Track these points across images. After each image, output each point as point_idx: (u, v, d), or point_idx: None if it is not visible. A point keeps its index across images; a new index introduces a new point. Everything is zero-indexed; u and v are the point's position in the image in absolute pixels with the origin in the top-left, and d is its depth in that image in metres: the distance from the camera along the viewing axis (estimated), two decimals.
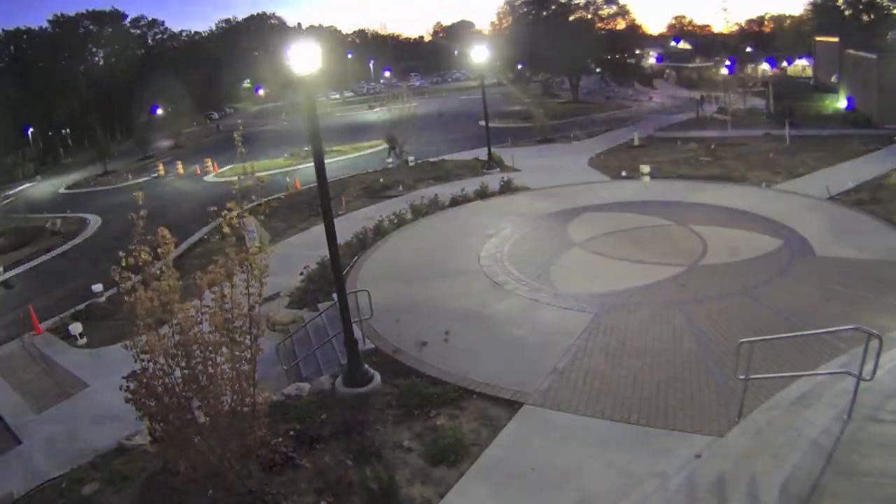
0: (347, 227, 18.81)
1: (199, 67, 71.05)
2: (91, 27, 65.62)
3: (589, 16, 64.80)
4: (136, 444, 9.90)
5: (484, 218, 20.64)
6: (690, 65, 78.76)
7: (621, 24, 65.49)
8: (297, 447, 8.77)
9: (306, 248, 18.79)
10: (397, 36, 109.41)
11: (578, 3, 64.90)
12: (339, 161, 38.33)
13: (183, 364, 7.18)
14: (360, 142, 45.10)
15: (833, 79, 47.28)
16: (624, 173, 25.54)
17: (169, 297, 7.11)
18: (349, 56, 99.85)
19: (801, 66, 67.57)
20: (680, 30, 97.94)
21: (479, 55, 31.74)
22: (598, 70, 70.47)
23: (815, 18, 62.55)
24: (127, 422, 9.04)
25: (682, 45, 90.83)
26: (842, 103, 40.92)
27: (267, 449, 8.39)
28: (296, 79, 9.81)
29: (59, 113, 64.57)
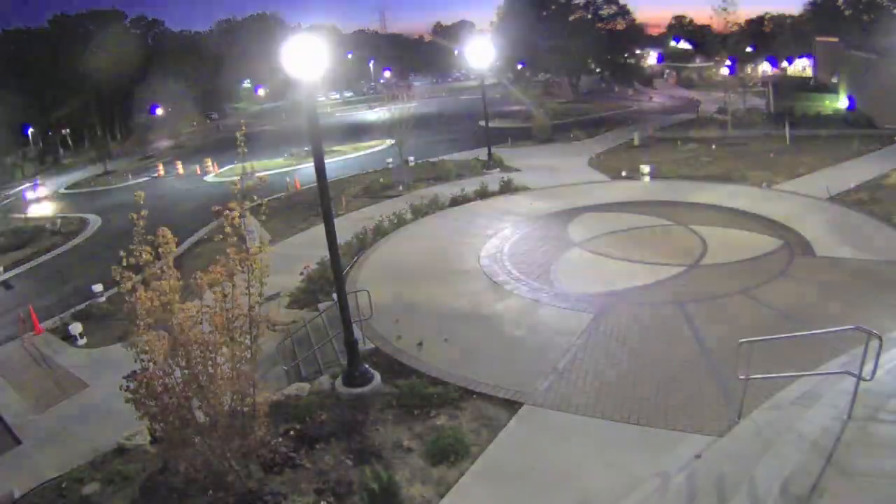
0: (347, 227, 18.82)
1: (199, 67, 71.01)
2: (91, 27, 65.67)
3: (589, 16, 64.78)
4: (136, 444, 9.90)
5: (484, 218, 20.65)
6: (690, 65, 78.79)
7: (621, 25, 65.45)
8: (297, 447, 8.77)
9: (306, 248, 18.79)
10: (397, 35, 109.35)
11: (578, 3, 64.91)
12: (339, 161, 38.31)
13: (183, 364, 7.18)
14: (360, 142, 45.10)
15: (833, 79, 47.29)
16: (624, 173, 25.53)
17: (169, 297, 7.11)
18: (349, 56, 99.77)
19: (801, 65, 67.62)
20: (680, 29, 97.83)
21: (479, 55, 31.71)
22: (597, 70, 70.48)
23: (815, 19, 62.54)
24: (127, 422, 9.03)
25: (682, 44, 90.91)
26: (842, 103, 40.92)
27: (267, 449, 8.40)
28: (295, 79, 9.81)
29: (59, 113, 64.53)
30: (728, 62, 35.13)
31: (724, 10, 30.35)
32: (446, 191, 23.97)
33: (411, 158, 31.99)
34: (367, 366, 10.93)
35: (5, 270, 23.88)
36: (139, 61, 61.86)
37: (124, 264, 7.06)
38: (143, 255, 7.16)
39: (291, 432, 9.22)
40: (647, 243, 16.76)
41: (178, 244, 7.80)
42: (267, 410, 8.08)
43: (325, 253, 11.39)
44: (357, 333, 11.20)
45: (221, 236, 7.58)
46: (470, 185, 24.08)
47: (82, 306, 17.64)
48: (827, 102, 43.24)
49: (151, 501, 8.27)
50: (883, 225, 16.58)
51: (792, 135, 30.28)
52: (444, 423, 9.26)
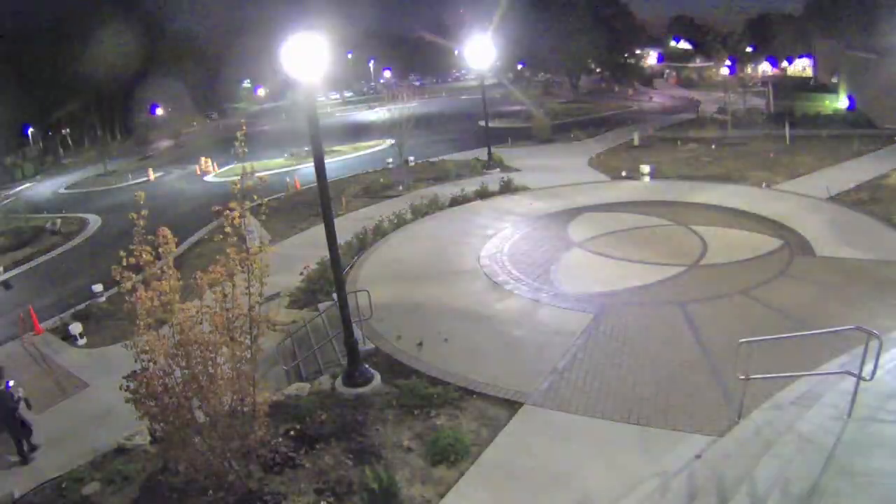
0: (347, 227, 18.81)
1: (199, 67, 71.05)
2: (91, 27, 65.66)
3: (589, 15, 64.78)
4: (136, 444, 9.90)
5: (484, 218, 20.65)
6: (690, 65, 78.77)
7: (621, 24, 65.48)
8: (297, 447, 8.77)
9: (306, 248, 18.79)
10: (397, 35, 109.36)
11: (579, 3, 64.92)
12: (339, 161, 38.31)
13: (183, 364, 7.18)
14: (360, 142, 45.10)
15: (833, 79, 47.29)
16: (624, 173, 25.53)
17: (169, 297, 7.12)
18: (349, 56, 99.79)
19: (801, 65, 67.60)
20: (680, 29, 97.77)
21: (479, 55, 31.70)
22: (597, 70, 70.50)
23: (815, 20, 62.52)
24: (127, 422, 9.03)
25: (682, 44, 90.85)
26: (842, 103, 40.91)
27: (267, 449, 8.40)
28: (295, 79, 9.81)
29: (59, 113, 64.55)
30: (728, 62, 35.12)
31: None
32: (446, 191, 23.97)
33: (411, 158, 32.00)
34: (367, 366, 10.93)
35: (5, 270, 23.88)
36: (139, 61, 61.81)
37: (124, 264, 7.07)
38: (144, 255, 7.17)
39: (291, 432, 9.22)
40: (648, 243, 16.75)
41: (178, 244, 7.80)
42: (267, 410, 8.08)
43: (325, 253, 11.39)
44: (357, 333, 11.20)
45: (221, 236, 7.58)
46: (470, 185, 24.08)
47: (82, 306, 17.64)
48: (827, 102, 43.24)
49: (151, 501, 8.27)
50: (883, 225, 16.58)
51: (792, 135, 30.28)
52: (444, 423, 9.26)
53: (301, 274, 16.43)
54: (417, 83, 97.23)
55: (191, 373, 7.22)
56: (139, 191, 7.98)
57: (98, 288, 17.80)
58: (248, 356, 7.68)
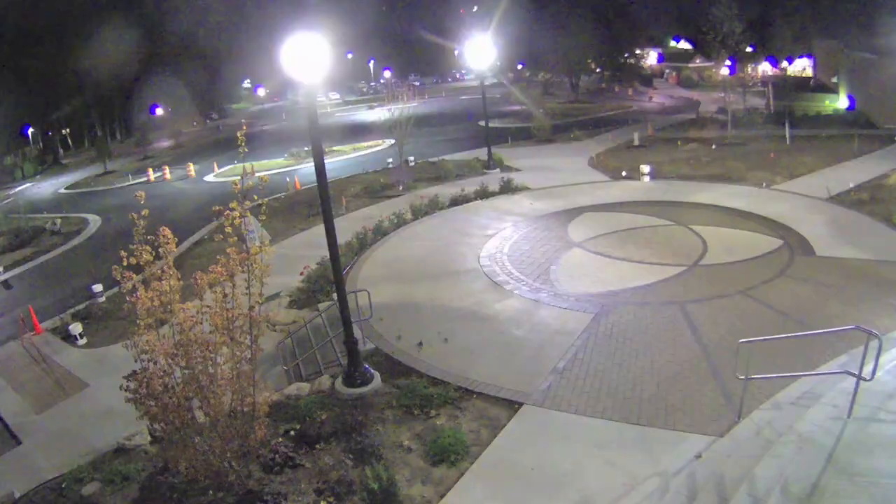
0: (347, 227, 18.80)
1: (199, 67, 71.01)
2: (91, 27, 65.62)
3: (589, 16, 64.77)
4: (136, 444, 9.90)
5: (484, 218, 20.65)
6: (690, 65, 78.72)
7: (621, 24, 65.44)
8: (297, 447, 8.78)
9: (306, 248, 18.79)
10: (397, 35, 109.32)
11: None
12: (339, 161, 38.32)
13: (183, 364, 7.19)
14: (360, 142, 45.12)
15: (833, 79, 47.29)
16: (624, 173, 25.53)
17: (169, 297, 7.12)
18: (349, 56, 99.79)
19: (801, 65, 67.54)
20: (680, 29, 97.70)
21: (479, 55, 31.69)
22: (597, 70, 70.46)
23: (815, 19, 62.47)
24: (127, 422, 9.03)
25: (683, 44, 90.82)
26: (842, 103, 40.92)
27: (267, 449, 8.40)
28: (296, 79, 9.82)
29: (59, 113, 64.54)
30: (728, 62, 35.07)
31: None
32: (446, 191, 23.96)
33: (411, 158, 31.99)
34: (367, 366, 10.93)
35: (5, 270, 23.88)
36: (139, 61, 61.80)
37: (124, 264, 7.07)
38: (144, 255, 7.17)
39: (291, 432, 9.22)
40: (648, 243, 16.76)
41: (178, 244, 7.80)
42: (267, 410, 8.09)
43: (325, 253, 11.39)
44: (357, 333, 11.20)
45: (221, 236, 7.59)
46: (470, 185, 24.07)
47: (82, 306, 17.63)
48: (827, 102, 43.25)
49: (151, 501, 8.27)
50: (883, 225, 16.59)
51: (792, 135, 30.28)
52: (444, 423, 9.26)
53: (301, 274, 16.43)
54: (417, 83, 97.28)
55: (191, 373, 7.22)
56: (139, 191, 7.98)
57: (98, 288, 17.79)
58: (248, 356, 7.68)
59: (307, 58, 9.52)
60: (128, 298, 7.16)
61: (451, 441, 8.51)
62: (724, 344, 10.60)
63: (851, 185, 20.39)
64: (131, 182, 42.26)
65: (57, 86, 59.61)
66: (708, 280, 13.99)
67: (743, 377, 8.16)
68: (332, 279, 12.70)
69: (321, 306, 14.55)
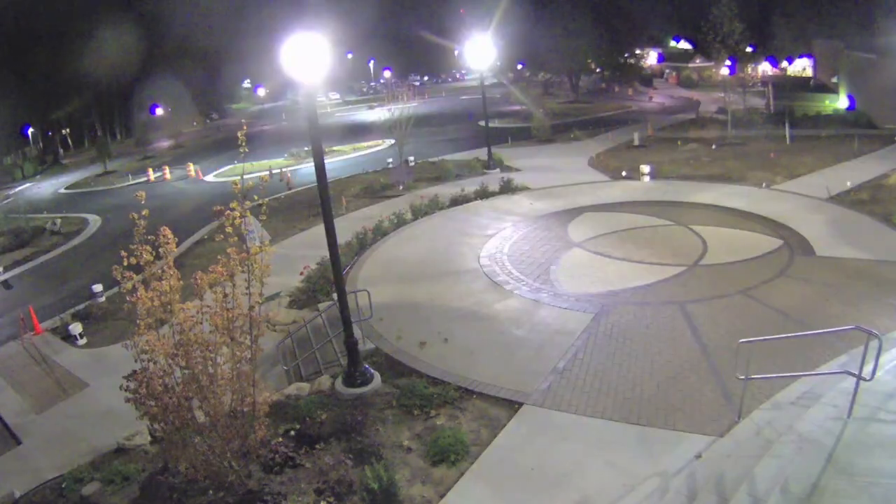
0: (347, 227, 18.80)
1: (199, 67, 71.03)
2: (91, 27, 65.63)
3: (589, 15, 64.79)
4: (136, 444, 9.90)
5: (484, 218, 20.65)
6: (690, 65, 78.75)
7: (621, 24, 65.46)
8: (297, 447, 8.77)
9: (306, 248, 18.79)
10: (397, 35, 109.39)
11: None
12: (339, 161, 38.32)
13: (183, 364, 7.19)
14: (360, 142, 45.12)
15: (833, 79, 47.30)
16: (624, 173, 25.54)
17: (169, 297, 7.12)
18: (349, 56, 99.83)
19: (801, 65, 67.55)
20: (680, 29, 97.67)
21: (479, 55, 31.69)
22: (597, 70, 70.45)
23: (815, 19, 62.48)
24: (127, 422, 9.03)
25: (683, 44, 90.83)
26: (842, 103, 40.91)
27: (267, 449, 8.40)
28: (296, 79, 9.82)
29: (59, 113, 64.58)
30: (728, 62, 35.04)
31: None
32: (446, 191, 23.96)
33: (411, 158, 31.99)
34: (367, 366, 10.93)
35: (5, 270, 23.87)
36: (139, 61, 61.80)
37: (125, 264, 7.07)
38: (144, 255, 7.17)
39: (291, 432, 9.22)
40: (648, 243, 16.76)
41: (178, 244, 7.80)
42: (267, 410, 8.09)
43: (325, 253, 11.39)
44: (357, 333, 11.20)
45: (221, 236, 7.59)
46: (470, 185, 24.08)
47: (82, 306, 17.63)
48: (827, 102, 43.25)
49: (151, 501, 8.27)
50: (883, 225, 16.59)
51: (792, 135, 30.29)
52: (444, 423, 9.27)
53: (301, 274, 16.43)
54: (417, 83, 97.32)
55: (191, 373, 7.22)
56: (139, 191, 7.98)
57: (98, 288, 17.80)
58: (248, 356, 7.68)
59: (307, 58, 9.52)
60: (128, 298, 7.16)
61: (451, 441, 8.51)
62: (724, 344, 10.60)
63: (851, 185, 20.38)
64: (131, 182, 42.27)
65: (57, 86, 59.61)
66: (708, 280, 14.00)
67: (743, 377, 8.16)
68: (332, 279, 12.71)
69: (321, 306, 14.55)
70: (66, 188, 45.65)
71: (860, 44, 39.25)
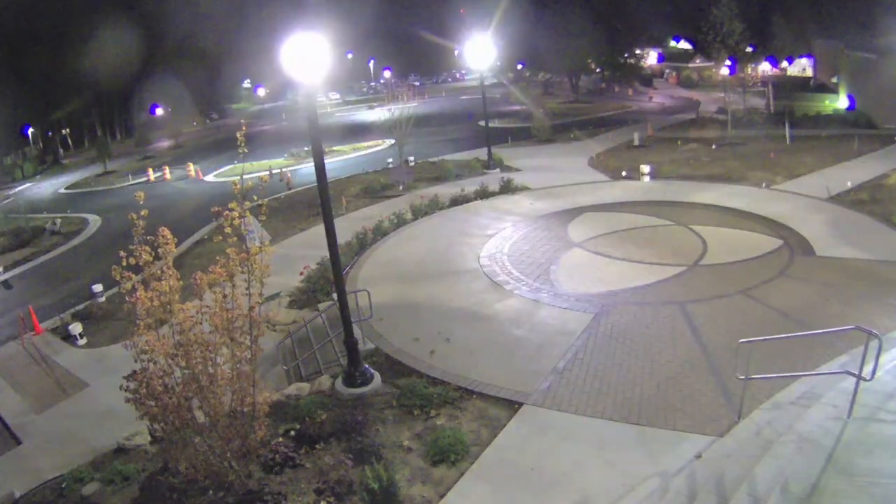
0: (347, 227, 18.80)
1: (199, 67, 71.01)
2: (91, 27, 65.62)
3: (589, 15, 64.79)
4: (136, 444, 9.90)
5: (484, 218, 20.65)
6: (690, 65, 78.74)
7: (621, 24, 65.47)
8: (297, 447, 8.78)
9: (306, 248, 18.79)
10: (397, 35, 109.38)
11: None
12: (339, 161, 38.32)
13: (183, 364, 7.19)
14: (360, 142, 45.12)
15: (833, 79, 47.29)
16: (624, 173, 25.54)
17: (169, 297, 7.12)
18: (349, 56, 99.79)
19: (801, 65, 67.54)
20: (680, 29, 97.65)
21: (479, 55, 31.69)
22: (597, 70, 70.44)
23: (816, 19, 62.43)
24: (127, 422, 9.03)
25: (683, 44, 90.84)
26: (842, 103, 40.90)
27: (267, 449, 8.40)
28: (295, 79, 9.81)
29: (59, 113, 64.56)
30: (728, 62, 35.04)
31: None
32: (446, 191, 23.96)
33: (411, 158, 31.99)
34: (367, 366, 10.93)
35: (5, 270, 23.87)
36: (139, 61, 61.80)
37: (124, 264, 7.07)
38: (143, 256, 7.17)
39: (291, 432, 9.22)
40: (648, 243, 16.76)
41: (177, 244, 7.80)
42: (267, 410, 8.09)
43: (325, 253, 11.40)
44: (357, 333, 11.20)
45: (221, 236, 7.58)
46: (470, 185, 24.08)
47: (82, 306, 17.64)
48: (827, 102, 43.23)
49: (151, 501, 8.27)
50: (883, 225, 16.59)
51: (792, 135, 30.28)
52: (444, 423, 9.27)
53: (301, 274, 16.44)
54: (417, 83, 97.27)
55: (191, 373, 7.22)
56: (139, 191, 7.98)
57: (98, 288, 17.80)
58: (248, 356, 7.68)
59: (307, 58, 9.52)
60: (128, 298, 7.15)
61: (451, 441, 8.51)
62: (723, 344, 10.60)
63: (851, 185, 20.38)
64: (131, 182, 42.27)
65: (57, 86, 59.59)
66: (708, 280, 13.99)
67: (743, 377, 8.16)
68: (332, 279, 12.70)
69: (321, 306, 14.55)
70: (66, 188, 45.65)
71: (860, 44, 39.23)
